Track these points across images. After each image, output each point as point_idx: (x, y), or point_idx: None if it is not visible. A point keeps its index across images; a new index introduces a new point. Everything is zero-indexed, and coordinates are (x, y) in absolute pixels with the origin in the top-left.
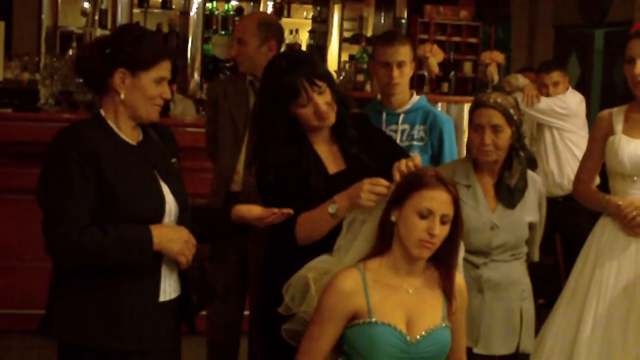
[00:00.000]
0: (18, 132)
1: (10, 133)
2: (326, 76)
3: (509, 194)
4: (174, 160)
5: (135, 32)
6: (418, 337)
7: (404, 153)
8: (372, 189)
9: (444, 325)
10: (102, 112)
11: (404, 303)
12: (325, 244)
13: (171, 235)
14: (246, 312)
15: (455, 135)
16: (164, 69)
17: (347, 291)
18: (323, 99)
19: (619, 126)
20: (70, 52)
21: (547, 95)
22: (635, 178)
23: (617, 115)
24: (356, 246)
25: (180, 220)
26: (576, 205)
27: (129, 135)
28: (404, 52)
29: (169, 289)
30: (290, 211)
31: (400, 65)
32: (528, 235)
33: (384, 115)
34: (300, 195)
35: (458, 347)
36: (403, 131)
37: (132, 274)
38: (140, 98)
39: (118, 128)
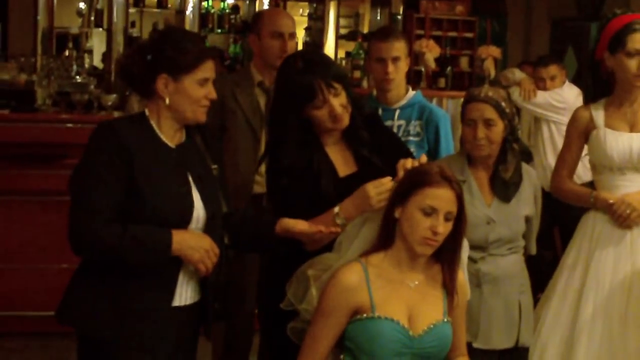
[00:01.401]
0: (15, 133)
1: (8, 134)
2: (342, 77)
3: (504, 188)
4: (214, 166)
5: (175, 35)
6: (420, 332)
7: (413, 156)
8: (379, 191)
9: (445, 320)
10: (147, 111)
11: (406, 298)
12: (331, 248)
13: (192, 242)
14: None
15: (451, 131)
16: (206, 70)
17: (350, 285)
18: (338, 101)
19: (600, 120)
20: (67, 52)
21: (545, 89)
22: (624, 171)
23: (596, 110)
24: (358, 242)
25: (208, 228)
26: None
27: (170, 137)
28: (398, 48)
29: (185, 294)
30: (339, 230)
31: (395, 60)
32: (525, 229)
33: (380, 111)
34: (311, 198)
35: (459, 342)
36: (399, 127)
37: (148, 275)
38: (185, 101)
39: (159, 129)
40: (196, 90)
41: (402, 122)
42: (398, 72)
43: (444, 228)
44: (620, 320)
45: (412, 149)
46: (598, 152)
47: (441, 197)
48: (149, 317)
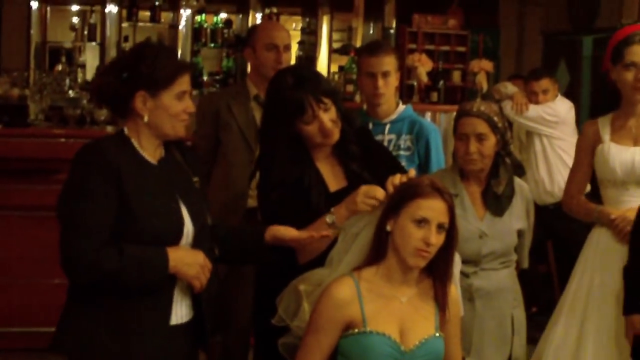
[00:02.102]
0: (8, 148)
1: (0, 149)
2: (331, 93)
3: (496, 202)
4: (195, 179)
5: (149, 52)
6: (412, 346)
7: (403, 169)
8: (367, 194)
9: (437, 335)
10: (126, 130)
11: (398, 313)
12: (323, 260)
13: (187, 259)
14: None
15: (442, 144)
16: (183, 84)
17: (341, 300)
18: (328, 116)
19: (606, 135)
20: (60, 67)
21: (537, 102)
22: (627, 186)
23: (603, 124)
24: (350, 256)
25: (197, 241)
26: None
27: (151, 153)
28: (388, 62)
29: (181, 312)
30: (329, 234)
31: (385, 75)
32: (517, 243)
33: (370, 125)
34: (301, 213)
35: (454, 357)
36: (390, 141)
37: (143, 295)
38: (164, 117)
39: (140, 147)
40: (175, 105)
41: (393, 136)
42: (388, 86)
43: (436, 239)
44: (619, 340)
45: (403, 163)
46: (603, 167)
47: (433, 207)
48: (147, 339)
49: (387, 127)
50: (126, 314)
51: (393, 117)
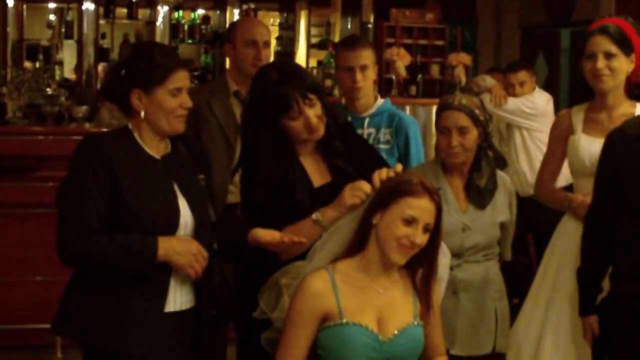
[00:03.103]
0: None
1: None
2: (316, 88)
3: (479, 195)
4: (201, 176)
5: (145, 49)
6: (390, 336)
7: (387, 165)
8: (354, 188)
9: (415, 323)
10: (130, 125)
11: (375, 303)
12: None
13: (178, 248)
14: None
15: (421, 137)
16: (178, 80)
17: (316, 293)
18: (314, 112)
19: (579, 125)
20: (37, 64)
21: (514, 95)
22: None
23: (576, 114)
24: (328, 248)
25: (197, 234)
26: None
27: (154, 148)
28: (365, 56)
29: (179, 299)
30: (304, 240)
31: (362, 69)
32: (500, 235)
33: (349, 119)
34: (286, 209)
35: (437, 342)
36: (369, 134)
37: (138, 282)
38: (159, 113)
39: (143, 142)
40: (169, 101)
41: (372, 130)
42: (366, 80)
43: (421, 239)
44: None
45: (383, 156)
46: (573, 158)
47: (422, 207)
48: (142, 324)
49: (366, 120)
50: (120, 300)
51: (372, 110)
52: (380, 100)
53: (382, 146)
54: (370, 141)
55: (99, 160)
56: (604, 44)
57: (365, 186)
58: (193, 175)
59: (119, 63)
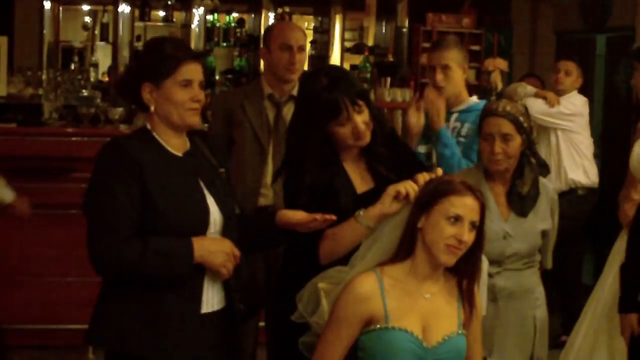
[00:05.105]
0: (22, 147)
1: (15, 148)
2: (364, 94)
3: (521, 202)
4: (222, 170)
5: (155, 44)
6: (434, 343)
7: (428, 170)
8: (395, 189)
9: (460, 332)
10: (148, 125)
11: (421, 309)
12: (345, 263)
13: (213, 247)
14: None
15: None
16: (188, 72)
17: (364, 295)
18: (361, 118)
19: None
20: (72, 66)
21: (556, 81)
22: None
23: None
24: (371, 255)
25: (225, 230)
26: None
27: (175, 145)
28: (448, 57)
29: (212, 300)
30: (334, 218)
31: (444, 68)
32: (541, 243)
33: None
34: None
35: (475, 356)
36: (454, 128)
37: (173, 285)
38: (170, 106)
39: (163, 140)
40: (178, 93)
41: (458, 124)
42: (448, 80)
43: (468, 236)
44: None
45: (459, 149)
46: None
47: (466, 205)
48: (179, 328)
49: (454, 115)
50: (157, 305)
51: (462, 107)
52: (474, 99)
53: (461, 139)
54: (452, 134)
55: (127, 165)
56: None
57: (410, 183)
58: (215, 169)
59: (131, 60)
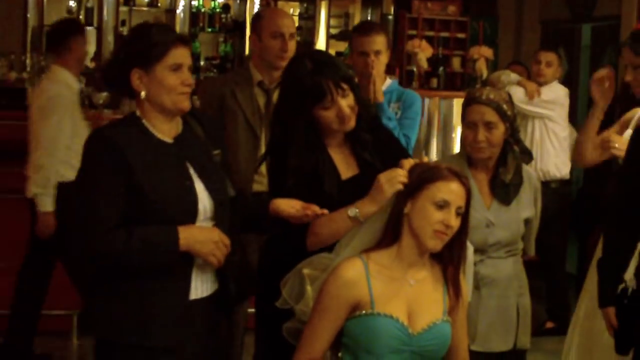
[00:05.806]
0: (6, 131)
1: None
2: (350, 79)
3: (504, 190)
4: (216, 152)
5: (142, 29)
6: (420, 330)
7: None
8: (390, 177)
9: (445, 319)
10: (137, 111)
11: (406, 295)
12: (330, 250)
13: (200, 236)
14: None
15: (420, 116)
16: (177, 56)
17: (349, 280)
18: (346, 102)
19: None
20: None
21: (538, 72)
22: None
23: None
24: (356, 241)
25: (217, 217)
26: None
27: (165, 131)
28: (379, 42)
29: (200, 287)
30: (325, 211)
31: (377, 54)
32: (524, 231)
33: None
34: (314, 201)
35: (461, 346)
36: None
37: (160, 273)
38: (160, 90)
39: (152, 126)
40: (169, 78)
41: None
42: (379, 65)
43: (455, 222)
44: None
45: (391, 126)
46: None
47: (453, 190)
48: (166, 316)
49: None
50: (144, 293)
51: (384, 89)
52: (388, 81)
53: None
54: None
55: (112, 156)
56: None
57: (400, 172)
58: (208, 152)
59: (116, 47)
